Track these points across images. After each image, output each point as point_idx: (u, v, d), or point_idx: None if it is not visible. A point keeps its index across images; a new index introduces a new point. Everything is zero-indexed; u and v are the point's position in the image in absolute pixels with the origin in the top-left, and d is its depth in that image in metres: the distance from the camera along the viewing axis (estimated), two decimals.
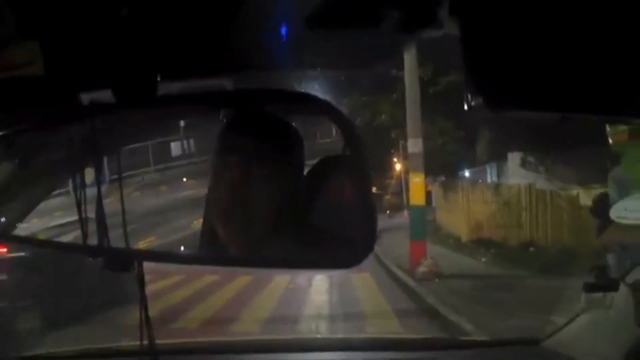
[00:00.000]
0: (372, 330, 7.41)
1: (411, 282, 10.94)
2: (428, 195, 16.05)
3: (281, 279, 11.55)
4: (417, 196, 12.95)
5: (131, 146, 1.54)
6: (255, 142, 1.09)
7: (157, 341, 1.26)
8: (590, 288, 1.93)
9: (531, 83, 0.74)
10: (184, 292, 10.44)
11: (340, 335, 5.74)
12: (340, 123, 1.02)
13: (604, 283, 1.92)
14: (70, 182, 1.68)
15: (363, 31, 0.89)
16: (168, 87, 0.98)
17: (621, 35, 0.72)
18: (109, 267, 1.06)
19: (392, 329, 7.47)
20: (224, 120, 1.15)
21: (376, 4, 0.86)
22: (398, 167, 27.14)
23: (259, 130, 1.11)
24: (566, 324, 2.17)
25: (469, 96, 0.75)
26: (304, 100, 1.03)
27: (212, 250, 1.13)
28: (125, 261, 1.08)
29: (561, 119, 0.80)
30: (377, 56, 1.05)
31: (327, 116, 1.02)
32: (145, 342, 1.23)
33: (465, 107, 0.75)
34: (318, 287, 11.06)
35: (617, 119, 0.92)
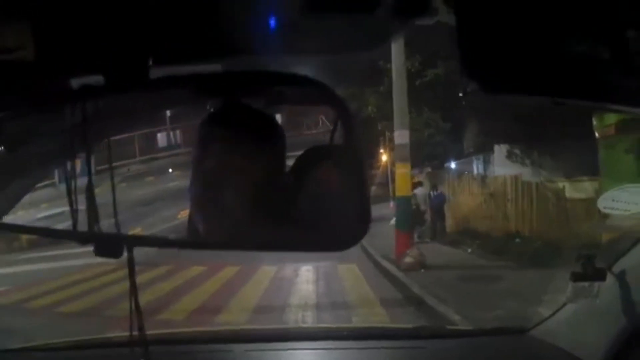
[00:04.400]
0: (358, 320, 7.44)
1: (397, 273, 10.99)
2: (414, 186, 16.13)
3: (268, 270, 11.58)
4: (403, 187, 12.97)
5: (117, 137, 1.53)
6: (233, 134, 1.10)
7: (147, 332, 1.26)
8: (577, 277, 1.94)
9: (525, 68, 0.75)
10: (171, 284, 10.45)
11: (328, 325, 5.76)
12: (338, 107, 1.02)
13: (591, 273, 1.93)
14: (56, 172, 1.67)
15: (357, 16, 0.89)
16: (159, 73, 0.97)
17: (613, 26, 0.73)
18: (100, 253, 1.05)
19: (379, 319, 7.50)
20: (211, 110, 1.15)
21: None
22: (384, 158, 27.18)
23: (239, 122, 1.12)
24: (553, 314, 2.18)
25: (464, 82, 0.75)
26: (301, 83, 1.02)
27: (201, 235, 1.13)
28: (116, 247, 1.07)
29: (553, 104, 0.81)
30: (370, 42, 1.04)
31: (325, 100, 1.03)
32: (135, 332, 1.22)
33: (461, 93, 0.75)
34: (305, 277, 11.08)
35: (606, 106, 0.93)
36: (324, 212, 1.07)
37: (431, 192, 17.91)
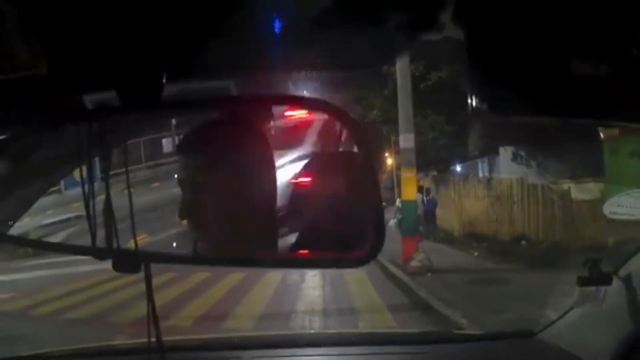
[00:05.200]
0: (365, 325, 7.42)
1: (404, 277, 10.96)
2: (420, 190, 16.12)
3: (274, 275, 11.58)
4: (409, 191, 12.95)
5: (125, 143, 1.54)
6: (219, 145, 1.11)
7: (164, 338, 1.27)
8: (584, 282, 1.94)
9: (534, 90, 0.76)
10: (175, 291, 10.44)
11: (335, 331, 5.75)
12: (348, 123, 1.03)
13: (598, 277, 1.93)
14: (62, 182, 1.68)
15: (364, 32, 0.90)
16: (172, 88, 0.98)
17: (619, 45, 0.74)
18: (118, 268, 1.06)
19: (386, 323, 7.48)
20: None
21: (380, 6, 0.86)
22: (389, 162, 27.15)
23: (224, 133, 1.12)
24: (560, 317, 2.18)
25: (474, 102, 0.76)
26: (313, 105, 1.03)
27: (219, 251, 1.14)
28: (133, 263, 1.08)
29: (562, 123, 0.82)
30: (377, 57, 1.05)
31: (335, 117, 1.03)
32: (153, 339, 1.23)
33: (470, 112, 0.76)
34: (311, 283, 11.06)
35: (615, 123, 0.93)
36: (337, 226, 1.06)
37: (424, 198, 18.74)
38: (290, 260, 1.16)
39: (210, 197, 1.09)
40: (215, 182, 1.09)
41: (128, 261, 1.08)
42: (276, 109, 1.17)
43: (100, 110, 0.99)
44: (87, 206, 1.04)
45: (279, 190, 1.17)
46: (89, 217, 1.05)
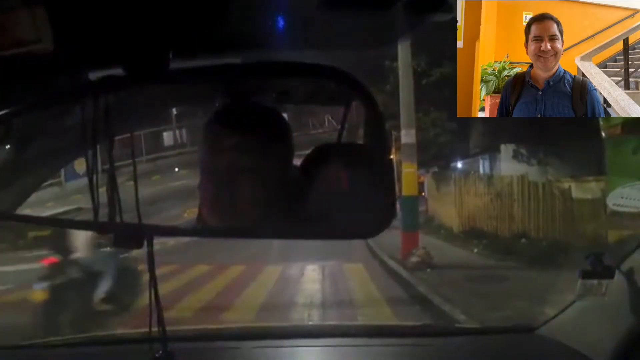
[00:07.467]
0: (364, 319, 7.42)
1: (403, 272, 10.96)
2: (420, 186, 16.10)
3: (273, 269, 11.60)
4: (409, 187, 12.93)
5: (124, 136, 1.53)
6: (242, 131, 1.09)
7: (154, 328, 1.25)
8: (586, 275, 1.94)
9: None
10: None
11: (335, 322, 5.75)
12: (363, 97, 1.03)
13: (600, 270, 1.92)
14: (62, 171, 1.67)
15: (373, 12, 0.89)
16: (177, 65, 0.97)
17: None
18: (120, 243, 1.05)
19: (385, 317, 7.48)
20: (217, 108, 1.14)
21: None
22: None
23: (246, 119, 1.11)
24: (560, 312, 2.18)
25: None
26: (328, 74, 1.02)
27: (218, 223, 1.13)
28: (137, 237, 1.06)
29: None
30: (385, 38, 1.04)
31: (348, 89, 1.03)
32: (154, 328, 1.22)
33: None
34: (310, 277, 11.08)
35: None
36: (349, 201, 1.06)
37: None
38: (301, 231, 1.16)
39: (240, 179, 1.08)
40: (246, 163, 1.08)
41: (130, 235, 1.07)
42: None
43: (105, 80, 0.98)
44: (90, 181, 1.03)
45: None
46: (92, 191, 1.04)
